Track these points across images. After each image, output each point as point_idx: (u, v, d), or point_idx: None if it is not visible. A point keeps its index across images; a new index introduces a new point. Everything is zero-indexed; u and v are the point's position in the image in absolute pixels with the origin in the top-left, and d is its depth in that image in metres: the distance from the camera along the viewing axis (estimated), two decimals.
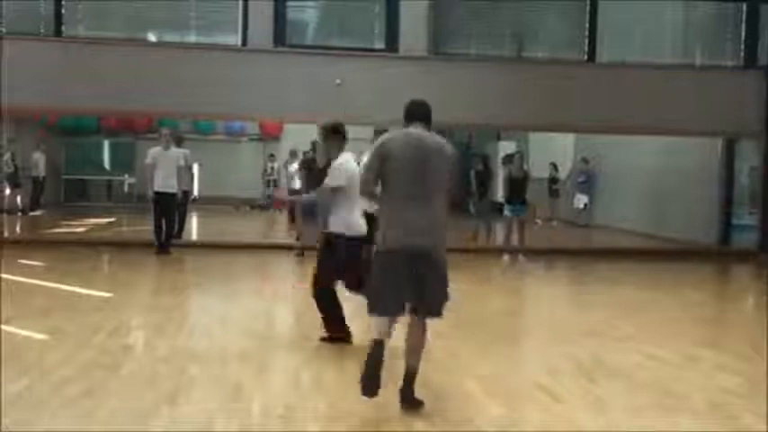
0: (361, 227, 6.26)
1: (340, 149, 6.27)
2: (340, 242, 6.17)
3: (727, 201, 15.18)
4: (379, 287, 4.73)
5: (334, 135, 6.29)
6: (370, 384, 4.58)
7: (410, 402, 4.71)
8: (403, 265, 4.64)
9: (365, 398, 4.60)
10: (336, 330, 6.39)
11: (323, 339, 6.41)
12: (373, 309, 4.72)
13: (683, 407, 5.04)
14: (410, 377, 4.74)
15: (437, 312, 4.74)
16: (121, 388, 5.05)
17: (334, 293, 6.38)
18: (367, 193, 4.87)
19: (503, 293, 10.21)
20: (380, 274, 4.73)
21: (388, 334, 4.72)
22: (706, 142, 15.06)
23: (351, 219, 6.19)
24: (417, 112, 4.94)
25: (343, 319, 6.39)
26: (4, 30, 12.62)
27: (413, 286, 4.65)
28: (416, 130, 4.87)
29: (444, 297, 4.76)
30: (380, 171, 4.74)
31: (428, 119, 4.96)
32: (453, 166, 4.88)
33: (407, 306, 4.73)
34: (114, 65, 12.53)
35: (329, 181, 6.17)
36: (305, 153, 16.84)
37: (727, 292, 11.67)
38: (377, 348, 4.61)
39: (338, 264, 6.21)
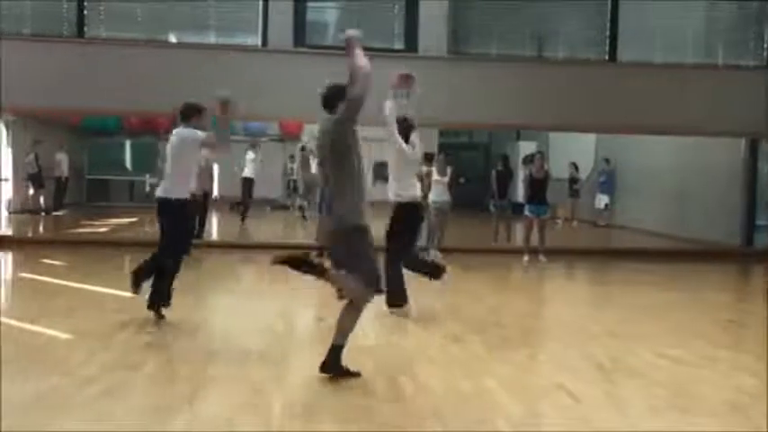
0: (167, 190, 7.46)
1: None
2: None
3: (750, 201, 15.05)
4: None
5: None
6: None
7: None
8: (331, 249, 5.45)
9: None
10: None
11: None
12: None
13: (702, 407, 5.01)
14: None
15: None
16: (143, 387, 5.11)
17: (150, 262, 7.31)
18: None
19: (523, 294, 10.19)
20: None
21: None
22: (728, 142, 14.91)
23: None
24: (325, 101, 5.33)
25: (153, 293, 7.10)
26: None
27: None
28: (323, 118, 5.31)
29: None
30: None
31: (329, 105, 5.29)
32: (338, 120, 5.18)
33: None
34: (135, 66, 12.64)
35: None
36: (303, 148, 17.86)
37: (748, 294, 11.56)
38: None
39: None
